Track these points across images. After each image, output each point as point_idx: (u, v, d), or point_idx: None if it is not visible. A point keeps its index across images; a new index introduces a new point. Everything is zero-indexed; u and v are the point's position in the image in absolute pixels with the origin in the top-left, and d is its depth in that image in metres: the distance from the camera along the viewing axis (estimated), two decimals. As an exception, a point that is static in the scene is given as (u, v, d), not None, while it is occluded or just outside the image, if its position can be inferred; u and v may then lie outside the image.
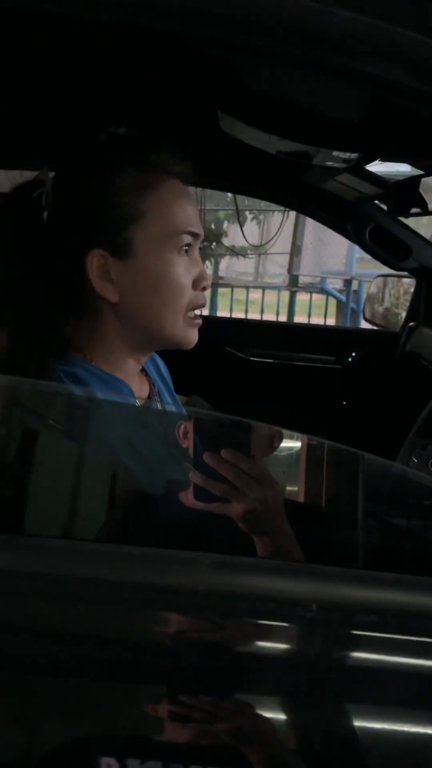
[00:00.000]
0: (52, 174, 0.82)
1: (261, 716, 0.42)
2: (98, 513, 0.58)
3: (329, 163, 1.29)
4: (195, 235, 0.80)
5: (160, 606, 0.43)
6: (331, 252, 6.22)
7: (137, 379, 0.86)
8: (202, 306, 0.82)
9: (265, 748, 0.41)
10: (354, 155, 1.20)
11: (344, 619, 0.43)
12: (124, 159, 0.78)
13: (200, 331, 0.83)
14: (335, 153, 1.19)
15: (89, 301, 0.79)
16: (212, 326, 1.99)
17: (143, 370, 0.89)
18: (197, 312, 0.82)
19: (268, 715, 0.42)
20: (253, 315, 5.62)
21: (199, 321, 0.82)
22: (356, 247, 6.37)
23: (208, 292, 0.85)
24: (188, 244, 0.79)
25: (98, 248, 0.76)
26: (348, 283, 6.21)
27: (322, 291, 6.19)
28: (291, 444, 0.64)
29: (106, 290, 0.77)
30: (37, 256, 0.78)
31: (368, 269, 6.72)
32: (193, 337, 0.81)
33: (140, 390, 0.86)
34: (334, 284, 6.36)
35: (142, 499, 0.66)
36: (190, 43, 0.81)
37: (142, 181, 0.77)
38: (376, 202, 1.70)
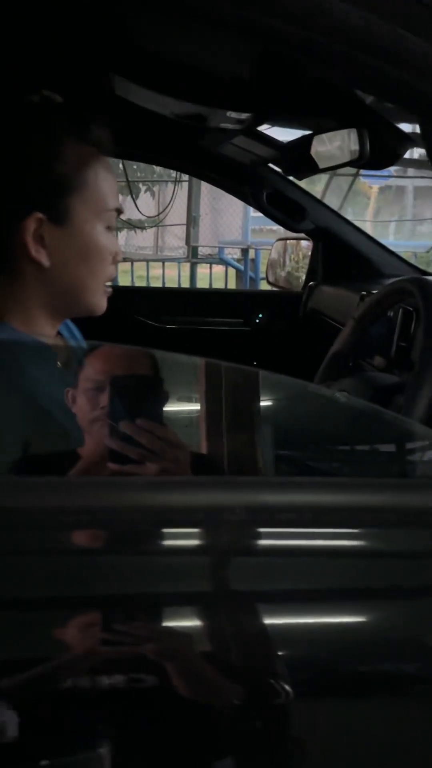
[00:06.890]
0: None
1: (185, 624, 0.46)
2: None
3: (223, 125, 1.32)
4: (118, 212, 0.85)
5: (102, 526, 0.46)
6: (227, 222, 6.28)
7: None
8: (113, 278, 0.87)
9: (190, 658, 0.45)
10: (246, 116, 1.24)
11: (265, 519, 0.48)
12: (70, 129, 0.80)
13: (111, 301, 0.87)
14: (228, 114, 1.23)
15: (17, 264, 0.80)
16: (122, 296, 1.99)
17: (59, 335, 0.91)
18: (108, 282, 0.87)
19: (193, 621, 0.46)
20: (156, 289, 5.60)
21: (110, 290, 0.87)
22: (251, 217, 6.44)
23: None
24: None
25: (38, 212, 0.77)
26: (245, 252, 6.30)
27: (221, 261, 6.25)
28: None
29: (40, 254, 0.79)
30: None
31: (264, 238, 6.85)
32: (104, 304, 0.87)
33: None
34: (232, 254, 6.44)
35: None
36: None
37: (84, 152, 0.80)
38: (272, 165, 1.75)
